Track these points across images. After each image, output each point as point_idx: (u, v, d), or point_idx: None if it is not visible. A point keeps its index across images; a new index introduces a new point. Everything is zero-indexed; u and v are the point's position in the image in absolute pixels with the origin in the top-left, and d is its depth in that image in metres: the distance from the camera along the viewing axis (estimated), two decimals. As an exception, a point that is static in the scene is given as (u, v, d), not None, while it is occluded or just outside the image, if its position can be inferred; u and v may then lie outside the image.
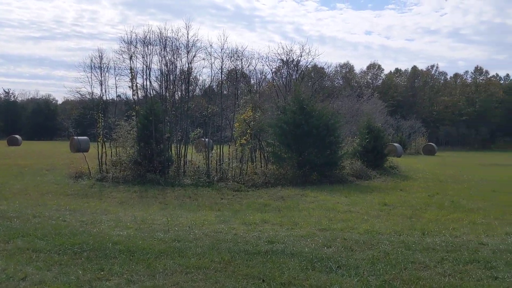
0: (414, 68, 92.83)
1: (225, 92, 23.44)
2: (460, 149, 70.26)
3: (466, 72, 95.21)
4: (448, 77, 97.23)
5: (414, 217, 9.87)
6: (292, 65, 22.21)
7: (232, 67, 20.00)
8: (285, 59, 21.28)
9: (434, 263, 6.05)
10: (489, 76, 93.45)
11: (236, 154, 18.12)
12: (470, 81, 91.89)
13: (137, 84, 18.28)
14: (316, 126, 16.86)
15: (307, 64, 23.00)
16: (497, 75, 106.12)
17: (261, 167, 18.15)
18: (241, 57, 19.36)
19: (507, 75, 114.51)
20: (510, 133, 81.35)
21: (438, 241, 7.44)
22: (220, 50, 18.29)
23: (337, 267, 5.83)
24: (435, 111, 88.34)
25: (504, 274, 5.52)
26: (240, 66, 19.80)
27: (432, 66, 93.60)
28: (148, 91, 18.86)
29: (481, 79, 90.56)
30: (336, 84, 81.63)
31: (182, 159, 17.55)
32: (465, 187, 15.44)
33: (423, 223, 9.16)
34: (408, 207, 11.18)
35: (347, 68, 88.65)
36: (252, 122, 17.56)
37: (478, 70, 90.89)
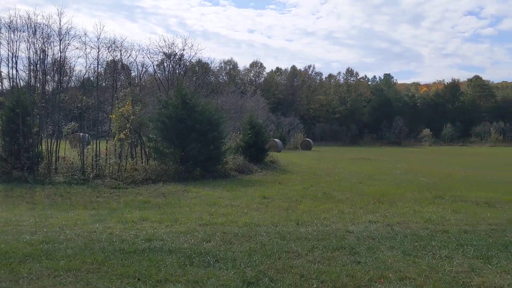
0: (294, 67, 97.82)
1: (104, 84, 22.29)
2: (333, 144, 75.73)
3: (339, 73, 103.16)
4: (324, 77, 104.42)
5: (290, 209, 10.37)
6: (175, 59, 21.90)
7: (110, 58, 19.06)
8: (167, 52, 20.88)
9: (306, 251, 6.42)
10: (358, 77, 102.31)
11: (115, 150, 17.33)
12: (342, 82, 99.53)
13: (1, 73, 16.55)
14: (200, 121, 16.84)
15: (190, 59, 22.88)
16: (366, 76, 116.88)
17: (142, 163, 17.61)
18: (120, 48, 18.53)
19: (374, 76, 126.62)
20: (375, 130, 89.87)
21: (311, 230, 7.92)
22: (96, 40, 17.34)
23: (215, 261, 5.88)
24: (312, 109, 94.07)
25: (366, 259, 6.06)
26: (119, 57, 18.95)
27: (310, 67, 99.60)
28: (15, 81, 17.14)
29: (352, 80, 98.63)
30: (221, 80, 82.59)
31: (53, 155, 16.29)
32: (336, 180, 16.66)
33: (298, 214, 9.67)
34: (285, 199, 11.72)
35: (231, 65, 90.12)
36: (132, 117, 16.93)
37: (349, 72, 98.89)
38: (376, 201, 11.46)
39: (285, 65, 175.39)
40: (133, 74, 22.26)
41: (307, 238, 7.26)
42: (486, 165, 27.22)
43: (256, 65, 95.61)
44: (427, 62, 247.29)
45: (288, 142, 53.45)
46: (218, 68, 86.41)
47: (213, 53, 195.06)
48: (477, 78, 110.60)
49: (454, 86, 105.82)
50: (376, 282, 5.15)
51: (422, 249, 6.63)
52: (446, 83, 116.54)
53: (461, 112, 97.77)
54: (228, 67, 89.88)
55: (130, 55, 19.44)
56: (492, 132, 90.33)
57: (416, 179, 17.32)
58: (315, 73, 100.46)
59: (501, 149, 71.29)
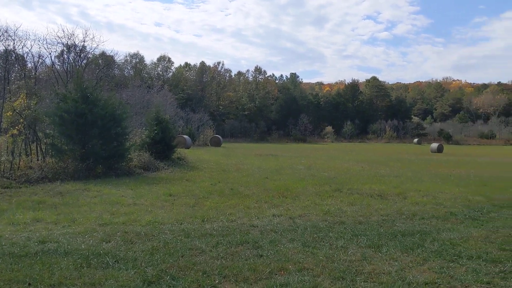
0: (203, 63, 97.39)
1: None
2: (242, 141, 76.77)
3: (248, 70, 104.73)
4: (233, 74, 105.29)
5: (197, 206, 10.30)
6: (76, 51, 20.66)
7: (2, 48, 17.46)
8: (67, 43, 19.63)
9: (210, 248, 6.43)
10: (266, 75, 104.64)
11: (7, 146, 15.93)
12: (251, 79, 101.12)
13: None
14: (102, 117, 16.07)
15: (92, 51, 21.72)
16: (273, 75, 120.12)
17: (38, 160, 16.39)
18: (13, 37, 17.06)
19: (281, 75, 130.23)
20: (283, 127, 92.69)
21: (216, 226, 7.95)
22: (-15, 27, 15.79)
23: (115, 261, 5.66)
24: (221, 105, 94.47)
25: (268, 252, 6.22)
26: (12, 47, 17.44)
27: (219, 63, 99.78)
28: None
29: (260, 78, 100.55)
30: (126, 74, 79.64)
31: None
32: (243, 175, 16.89)
33: (204, 210, 9.64)
34: (192, 196, 11.62)
35: (137, 58, 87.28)
36: (26, 111, 15.67)
37: (258, 70, 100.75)
38: (281, 196, 11.80)
39: (194, 60, 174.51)
40: (29, 65, 20.63)
41: (212, 235, 7.26)
42: (380, 160, 29.32)
43: (164, 60, 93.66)
44: (330, 62, 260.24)
45: (197, 138, 53.09)
46: (123, 61, 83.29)
47: (118, 46, 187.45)
48: (374, 79, 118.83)
49: (354, 86, 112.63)
50: (276, 274, 5.31)
51: (320, 240, 6.96)
52: (346, 83, 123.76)
53: (360, 111, 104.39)
54: (134, 61, 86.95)
55: (24, 45, 17.95)
56: (387, 129, 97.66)
57: (318, 173, 18.13)
58: (225, 69, 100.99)
59: (395, 145, 77.40)
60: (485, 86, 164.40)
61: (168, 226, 7.88)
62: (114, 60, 74.64)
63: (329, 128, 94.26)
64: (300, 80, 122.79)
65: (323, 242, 6.88)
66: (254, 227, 7.94)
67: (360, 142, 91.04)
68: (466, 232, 7.66)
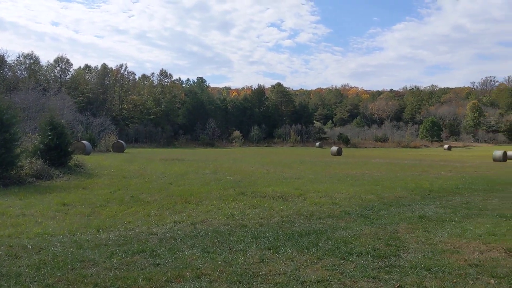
0: (104, 65, 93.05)
1: None
2: (148, 146, 74.72)
3: (153, 73, 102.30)
4: (137, 77, 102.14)
5: (93, 215, 9.76)
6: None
7: None
8: None
9: (103, 259, 6.10)
10: (173, 79, 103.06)
11: None
12: (156, 83, 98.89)
13: None
14: (-14, 121, 14.63)
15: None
16: (180, 78, 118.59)
17: None
18: None
19: (188, 79, 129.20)
20: (190, 132, 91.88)
21: (112, 236, 7.58)
22: None
23: (-6, 279, 5.14)
24: (125, 109, 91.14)
25: (166, 260, 6.05)
26: None
27: (122, 65, 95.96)
28: None
29: (166, 82, 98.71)
30: (19, 76, 73.77)
31: None
32: (146, 182, 16.38)
33: (100, 220, 9.16)
34: (88, 205, 10.99)
35: (31, 59, 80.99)
36: None
37: (164, 73, 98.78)
38: (184, 201, 11.62)
39: (95, 62, 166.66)
40: None
41: (107, 245, 6.91)
42: (284, 163, 30.24)
43: (62, 61, 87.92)
44: (237, 68, 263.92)
45: (98, 144, 50.58)
46: (16, 62, 76.95)
47: (10, 45, 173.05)
48: (279, 85, 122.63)
49: (260, 91, 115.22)
50: (172, 282, 5.18)
51: (220, 245, 6.94)
52: (253, 88, 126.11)
53: (266, 116, 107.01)
54: (28, 62, 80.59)
55: None
56: (291, 133, 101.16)
57: (223, 177, 18.18)
58: (128, 72, 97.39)
59: (299, 149, 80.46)
60: (379, 93, 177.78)
61: (58, 238, 7.35)
62: (5, 60, 68.85)
63: (237, 133, 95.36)
64: (207, 84, 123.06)
65: (223, 246, 6.87)
66: (153, 235, 7.70)
67: (266, 146, 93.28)
68: (358, 230, 8.12)
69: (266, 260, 6.06)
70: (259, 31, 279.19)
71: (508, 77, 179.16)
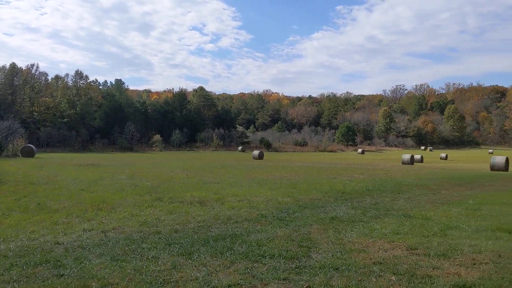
0: (14, 65, 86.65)
1: None
2: (61, 151, 70.66)
3: (67, 75, 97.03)
4: (50, 78, 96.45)
5: (-8, 225, 8.99)
6: None
7: None
8: None
9: (1, 271, 5.66)
10: (89, 80, 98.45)
11: None
12: (71, 84, 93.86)
13: None
14: None
15: None
16: (97, 80, 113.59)
17: None
18: None
19: (105, 81, 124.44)
20: (108, 136, 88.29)
21: (13, 246, 7.04)
22: None
23: None
24: (36, 112, 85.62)
25: (70, 271, 5.71)
26: None
27: (33, 65, 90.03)
28: None
29: (81, 83, 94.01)
30: None
31: None
32: (55, 188, 15.44)
33: (1, 230, 8.45)
34: (-13, 215, 10.10)
35: None
36: None
37: (79, 74, 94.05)
38: (95, 208, 11.08)
39: (3, 61, 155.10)
40: None
41: (6, 256, 6.41)
42: (205, 167, 30.07)
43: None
44: (158, 70, 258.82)
45: (5, 148, 46.89)
46: None
47: None
48: (201, 88, 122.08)
49: (181, 95, 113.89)
50: (76, 294, 4.89)
51: (131, 253, 6.70)
52: (175, 91, 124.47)
53: (188, 119, 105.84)
54: None
55: None
56: (214, 138, 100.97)
57: (140, 183, 17.65)
58: (40, 73, 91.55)
59: (221, 153, 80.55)
60: (299, 99, 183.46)
61: None
62: None
63: (157, 137, 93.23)
64: (126, 86, 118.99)
65: (134, 254, 6.63)
66: (59, 244, 7.25)
67: (188, 150, 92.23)
68: (272, 232, 8.25)
69: (178, 267, 5.94)
70: (181, 34, 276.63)
71: (416, 85, 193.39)
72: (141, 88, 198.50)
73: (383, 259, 6.36)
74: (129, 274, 5.58)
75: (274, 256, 6.48)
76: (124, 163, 35.94)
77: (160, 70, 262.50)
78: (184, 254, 6.60)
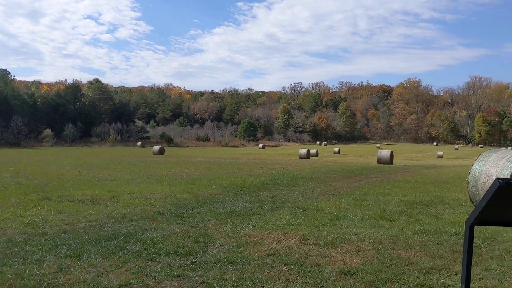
0: None
1: None
2: None
3: None
4: None
5: None
6: None
7: None
8: None
9: None
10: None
11: None
12: None
13: None
14: None
15: None
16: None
17: None
18: None
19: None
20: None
21: None
22: None
23: None
24: None
25: None
26: None
27: None
28: None
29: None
30: None
31: None
32: None
33: None
34: None
35: None
36: None
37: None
38: (-29, 210, 10.00)
39: None
40: None
41: None
42: (101, 164, 28.70)
43: None
44: (49, 60, 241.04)
45: None
46: None
47: None
48: (97, 80, 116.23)
49: (75, 87, 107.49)
50: None
51: (13, 256, 6.15)
52: (67, 83, 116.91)
53: (82, 113, 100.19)
54: None
55: None
56: (111, 132, 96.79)
57: (26, 181, 16.31)
58: None
59: (119, 148, 77.48)
60: (201, 93, 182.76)
61: None
62: None
63: (47, 131, 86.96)
64: (12, 77, 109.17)
65: (17, 257, 6.09)
66: None
67: (83, 146, 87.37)
68: (169, 229, 8.10)
69: (66, 269, 5.57)
70: (74, 22, 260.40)
71: (312, 83, 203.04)
72: (30, 79, 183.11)
73: (277, 250, 6.56)
74: (9, 279, 5.11)
75: (170, 253, 6.37)
76: (9, 159, 32.99)
77: (51, 60, 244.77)
78: (73, 255, 6.21)
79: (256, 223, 8.71)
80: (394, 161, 42.44)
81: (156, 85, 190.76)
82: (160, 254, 6.31)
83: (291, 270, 5.62)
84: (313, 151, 60.10)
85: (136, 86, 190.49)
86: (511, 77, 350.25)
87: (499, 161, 11.23)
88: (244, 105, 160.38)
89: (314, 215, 9.65)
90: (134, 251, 6.49)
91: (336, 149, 75.96)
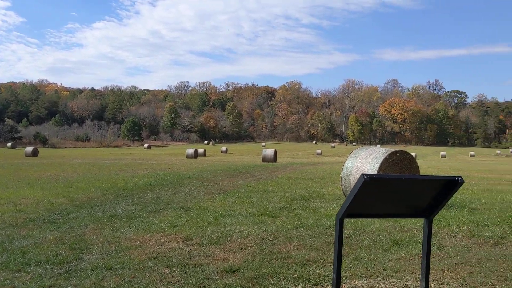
0: None
1: None
2: None
3: None
4: None
5: None
6: None
7: None
8: None
9: None
10: None
11: None
12: None
13: None
14: None
15: None
16: None
17: None
18: None
19: None
20: None
21: None
22: None
23: None
24: None
25: None
26: None
27: None
28: None
29: None
30: None
31: None
32: None
33: None
34: None
35: None
36: None
37: None
38: None
39: None
40: None
41: None
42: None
43: None
44: None
45: None
46: None
47: None
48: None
49: None
50: None
51: None
52: None
53: None
54: None
55: None
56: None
57: None
58: None
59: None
60: (80, 91, 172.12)
61: None
62: None
63: None
64: None
65: None
66: None
67: None
68: (41, 237, 7.46)
69: None
70: None
71: (199, 83, 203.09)
72: None
73: (159, 253, 6.41)
74: None
75: (41, 262, 5.86)
76: None
77: None
78: None
79: (138, 226, 8.42)
80: (278, 159, 44.28)
81: (29, 81, 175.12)
82: (30, 264, 5.78)
83: (173, 272, 5.53)
84: (200, 150, 60.12)
85: (5, 82, 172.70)
86: (379, 81, 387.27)
87: (367, 158, 12.31)
88: (127, 104, 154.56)
89: (199, 215, 9.63)
90: (0, 262, 5.86)
91: (224, 148, 76.95)
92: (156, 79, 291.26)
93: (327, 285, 5.09)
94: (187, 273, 5.48)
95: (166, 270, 5.58)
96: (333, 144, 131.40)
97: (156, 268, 5.69)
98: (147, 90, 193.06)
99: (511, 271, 5.75)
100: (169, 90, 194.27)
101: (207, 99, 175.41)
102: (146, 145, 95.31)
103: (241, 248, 6.75)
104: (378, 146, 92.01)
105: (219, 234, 7.69)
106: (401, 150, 12.55)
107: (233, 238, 7.41)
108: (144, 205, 11.30)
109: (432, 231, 8.14)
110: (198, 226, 8.41)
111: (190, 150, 51.65)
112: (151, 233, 7.79)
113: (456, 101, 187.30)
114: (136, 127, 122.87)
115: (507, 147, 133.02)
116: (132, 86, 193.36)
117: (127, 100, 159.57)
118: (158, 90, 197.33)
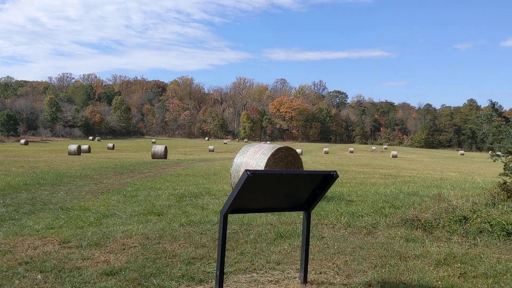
0: None
1: None
2: None
3: None
4: None
5: None
6: None
7: None
8: None
9: None
10: None
11: None
12: None
13: None
14: None
15: None
16: None
17: None
18: None
19: None
20: None
21: None
22: None
23: None
24: None
25: None
26: None
27: None
28: None
29: None
30: None
31: None
32: None
33: None
34: None
35: None
36: None
37: None
38: None
39: None
40: None
41: None
42: None
43: None
44: None
45: None
46: None
47: None
48: None
49: None
50: None
51: None
52: None
53: None
54: None
55: None
56: None
57: None
58: None
59: None
60: None
61: None
62: None
63: None
64: None
65: None
66: None
67: None
68: None
69: None
70: None
71: (83, 75, 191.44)
72: None
73: (31, 258, 5.87)
74: None
75: None
76: None
77: None
78: None
79: (8, 230, 7.64)
80: (169, 155, 43.51)
81: None
82: None
83: (46, 277, 5.10)
84: (84, 147, 56.75)
85: None
86: (269, 80, 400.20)
87: (255, 154, 12.61)
88: (2, 96, 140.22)
89: (79, 216, 9.04)
90: None
91: (110, 145, 73.53)
92: (36, 70, 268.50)
93: (211, 282, 5.08)
94: (62, 278, 5.09)
95: (39, 276, 5.12)
96: (225, 141, 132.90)
97: (27, 274, 5.19)
98: (25, 82, 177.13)
99: (380, 258, 6.27)
100: (49, 81, 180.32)
101: (92, 92, 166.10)
102: (23, 141, 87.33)
103: (124, 249, 6.46)
104: (268, 142, 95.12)
105: (100, 235, 7.28)
106: (286, 147, 13.07)
107: (115, 238, 7.06)
108: (17, 206, 10.30)
109: (313, 222, 8.63)
110: (77, 228, 7.88)
111: (73, 147, 48.49)
112: (24, 237, 7.11)
113: (337, 100, 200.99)
114: (12, 122, 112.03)
115: (381, 144, 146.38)
116: (8, 77, 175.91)
117: (2, 92, 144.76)
118: (37, 81, 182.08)
